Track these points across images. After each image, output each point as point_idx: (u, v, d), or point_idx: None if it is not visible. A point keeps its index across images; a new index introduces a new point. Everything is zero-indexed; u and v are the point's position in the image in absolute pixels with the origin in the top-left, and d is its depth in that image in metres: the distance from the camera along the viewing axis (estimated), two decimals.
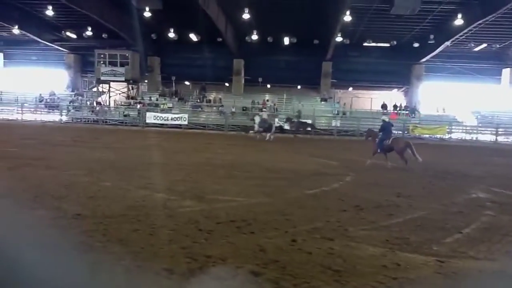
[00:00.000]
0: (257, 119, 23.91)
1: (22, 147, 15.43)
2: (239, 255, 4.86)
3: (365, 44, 35.91)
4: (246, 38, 34.94)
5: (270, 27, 32.95)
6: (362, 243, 5.46)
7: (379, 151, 14.15)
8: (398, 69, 36.65)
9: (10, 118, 32.38)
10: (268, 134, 23.36)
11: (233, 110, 32.99)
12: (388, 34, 34.31)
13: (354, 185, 9.96)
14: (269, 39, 35.21)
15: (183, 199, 7.66)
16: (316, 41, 34.90)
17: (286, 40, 34.98)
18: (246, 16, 29.61)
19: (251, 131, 23.64)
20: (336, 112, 33.76)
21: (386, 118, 15.70)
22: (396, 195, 8.69)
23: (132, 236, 5.41)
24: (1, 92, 38.25)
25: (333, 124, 31.41)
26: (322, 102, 35.85)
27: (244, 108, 33.52)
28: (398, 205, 7.77)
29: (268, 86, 38.11)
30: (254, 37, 34.49)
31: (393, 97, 38.41)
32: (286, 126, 27.17)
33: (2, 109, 34.28)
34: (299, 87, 38.04)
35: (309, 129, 28.28)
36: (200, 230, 5.72)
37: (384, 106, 35.44)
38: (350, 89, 39.73)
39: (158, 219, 6.20)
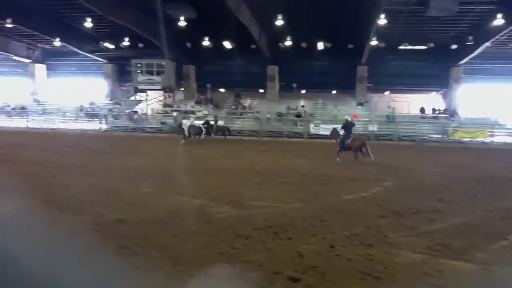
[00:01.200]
0: (186, 125, 24.48)
1: (64, 155, 15.91)
2: (277, 260, 4.85)
3: (401, 47, 35.27)
4: (280, 44, 34.96)
5: (304, 33, 32.84)
6: (402, 250, 5.35)
7: (339, 149, 15.26)
8: (435, 71, 35.79)
9: (53, 127, 33.47)
10: (198, 137, 24.39)
11: (268, 116, 33.00)
12: (424, 37, 33.60)
13: (393, 190, 9.76)
14: (303, 44, 35.08)
15: (220, 205, 7.70)
16: (350, 46, 34.56)
17: (320, 45, 34.79)
18: (279, 22, 29.65)
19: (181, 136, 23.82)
20: (384, 116, 33.23)
21: (349, 118, 17.01)
22: (437, 200, 8.47)
23: (171, 241, 5.49)
24: (45, 102, 39.68)
25: (370, 128, 30.95)
26: (358, 107, 35.42)
27: (279, 114, 33.47)
28: (439, 211, 7.57)
29: (303, 91, 37.97)
30: (288, 43, 34.46)
31: (431, 100, 37.55)
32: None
33: (45, 119, 35.51)
34: (334, 92, 37.72)
35: (227, 132, 27.99)
36: (238, 236, 5.74)
37: (422, 110, 34.68)
38: (387, 93, 39.09)
39: (196, 225, 6.27)
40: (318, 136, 28.80)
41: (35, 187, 9.11)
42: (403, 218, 6.95)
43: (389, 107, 34.29)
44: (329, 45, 34.78)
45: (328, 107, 35.50)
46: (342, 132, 15.94)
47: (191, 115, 30.53)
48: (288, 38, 34.02)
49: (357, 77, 36.54)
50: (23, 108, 37.86)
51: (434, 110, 34.99)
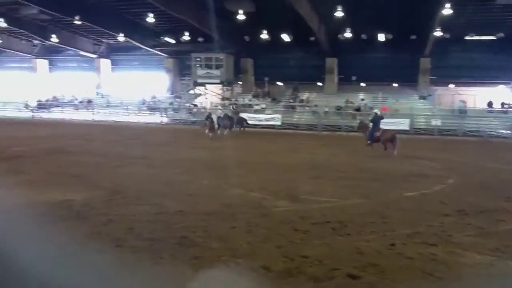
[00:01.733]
0: (214, 117, 22.71)
1: (127, 147, 16.54)
2: (335, 257, 4.79)
3: (467, 37, 33.61)
4: (339, 36, 34.35)
5: (364, 24, 32.07)
6: (467, 250, 5.12)
7: (369, 142, 15.57)
8: (505, 63, 33.78)
9: (117, 120, 34.82)
10: (229, 130, 23.40)
11: (326, 110, 32.60)
12: (493, 26, 31.76)
13: (458, 188, 9.36)
14: (363, 36, 34.27)
15: (277, 198, 7.71)
16: (413, 37, 33.36)
17: (381, 37, 33.85)
18: (339, 14, 29.12)
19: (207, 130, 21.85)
20: (451, 110, 32.00)
21: (378, 111, 17.63)
22: (505, 200, 8.03)
23: (230, 233, 5.56)
24: (108, 95, 41.36)
25: (433, 123, 29.80)
26: (421, 100, 34.19)
27: (338, 108, 32.97)
28: (508, 210, 7.18)
29: (363, 84, 37.16)
30: (348, 34, 33.78)
31: (499, 94, 35.55)
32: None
33: (110, 112, 37.00)
34: (395, 85, 36.61)
35: (245, 123, 27.27)
36: (296, 230, 5.72)
37: (490, 104, 32.93)
38: (451, 86, 37.45)
39: (253, 218, 6.31)
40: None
41: (101, 177, 9.54)
42: (468, 217, 6.65)
43: (461, 100, 32.84)
44: (390, 36, 33.79)
45: (388, 101, 34.54)
46: (371, 125, 16.30)
47: (218, 107, 30.26)
48: (348, 30, 33.34)
49: (420, 70, 35.22)
50: (89, 101, 39.64)
51: (503, 104, 33.12)
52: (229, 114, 26.16)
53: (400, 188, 9.05)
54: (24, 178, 9.22)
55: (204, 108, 28.06)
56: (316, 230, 5.78)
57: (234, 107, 32.70)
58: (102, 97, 40.80)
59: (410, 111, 30.72)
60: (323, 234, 5.61)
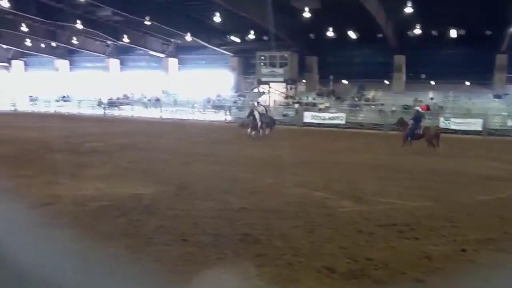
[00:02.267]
0: (257, 114, 19.92)
1: (194, 144, 16.97)
2: (402, 260, 4.64)
3: None
4: (408, 32, 33.27)
5: (435, 20, 30.81)
6: None
7: (409, 138, 15.79)
8: None
9: (183, 118, 35.78)
10: (267, 129, 20.73)
11: (394, 108, 31.68)
12: None
13: None
14: (434, 32, 32.96)
15: (341, 199, 7.60)
16: (488, 32, 31.63)
17: (453, 33, 32.37)
18: (408, 9, 28.19)
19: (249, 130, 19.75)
20: None
21: (419, 109, 18.37)
22: None
23: (292, 232, 5.55)
24: (175, 94, 42.56)
25: (509, 124, 28.11)
26: (496, 99, 32.34)
27: (406, 107, 31.90)
28: None
29: (432, 82, 35.73)
30: (417, 31, 32.63)
31: None
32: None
33: (177, 110, 38.10)
34: (467, 83, 34.90)
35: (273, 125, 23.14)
36: (360, 232, 5.61)
37: None
38: None
39: (317, 217, 6.25)
40: (447, 131, 26.99)
41: (169, 173, 9.88)
42: None
43: None
44: (463, 32, 32.22)
45: (460, 100, 32.99)
46: (410, 122, 16.32)
47: (260, 103, 28.38)
48: (418, 26, 32.20)
49: (495, 67, 33.29)
50: (157, 99, 41.03)
51: None
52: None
53: (472, 191, 8.63)
54: (97, 172, 9.71)
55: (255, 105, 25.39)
56: (381, 232, 5.63)
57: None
58: (167, 95, 42.02)
59: (484, 111, 29.16)
60: (389, 236, 5.46)
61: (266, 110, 22.71)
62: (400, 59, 35.60)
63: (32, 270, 3.93)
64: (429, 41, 33.40)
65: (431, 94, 33.85)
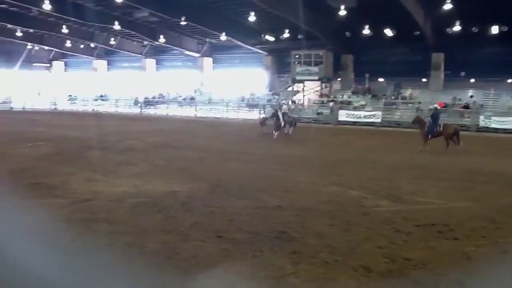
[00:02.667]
0: (280, 114, 19.50)
1: (228, 142, 17.07)
2: (441, 261, 4.53)
3: None
4: (447, 29, 32.43)
5: (475, 16, 29.88)
6: None
7: (429, 136, 15.51)
8: None
9: (217, 116, 36.04)
10: (291, 128, 19.94)
11: (431, 107, 30.94)
12: None
13: None
14: (474, 29, 32.00)
15: (378, 198, 7.48)
16: None
17: (494, 29, 31.34)
18: (447, 6, 27.50)
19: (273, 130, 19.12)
20: None
21: (438, 106, 18.34)
22: None
23: (328, 230, 5.50)
24: (209, 93, 42.94)
25: None
26: None
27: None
28: None
29: (472, 80, 34.73)
30: (456, 28, 31.78)
31: None
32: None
33: (211, 108, 38.43)
34: (509, 80, 33.73)
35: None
36: (398, 231, 5.50)
37: None
38: None
39: (353, 216, 6.18)
40: (488, 130, 26.20)
41: (204, 171, 9.96)
42: None
43: None
44: (505, 28, 31.14)
45: (502, 98, 31.93)
46: (428, 120, 16.17)
47: (287, 100, 26.90)
48: (457, 22, 31.35)
49: None
50: (192, 98, 41.51)
51: None
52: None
53: None
54: (134, 170, 9.92)
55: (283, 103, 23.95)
56: (420, 232, 5.51)
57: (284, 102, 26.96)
58: (201, 95, 42.44)
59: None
60: (427, 236, 5.34)
61: (289, 109, 22.41)
62: (438, 57, 34.76)
63: (71, 262, 4.05)
64: (469, 38, 32.41)
65: (470, 92, 32.90)
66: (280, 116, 19.48)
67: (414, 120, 17.45)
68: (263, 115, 32.72)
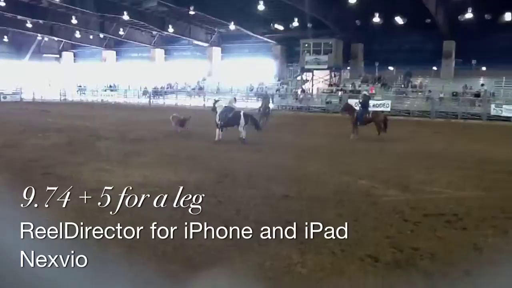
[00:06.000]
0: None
1: (235, 132, 17.00)
2: (449, 251, 4.50)
3: None
4: (459, 17, 31.99)
5: (488, 3, 29.49)
6: None
7: (358, 123, 15.39)
8: None
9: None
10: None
11: (442, 95, 30.66)
12: None
13: None
14: (487, 16, 31.52)
15: (387, 187, 7.44)
16: None
17: (508, 16, 30.85)
18: None
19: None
20: None
21: (367, 92, 18.31)
22: None
23: (336, 220, 5.47)
24: (219, 82, 42.87)
25: None
26: None
27: (455, 94, 30.84)
28: None
29: (483, 68, 34.30)
30: (468, 15, 31.33)
31: None
32: None
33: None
34: None
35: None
36: (406, 221, 5.48)
37: None
38: None
39: (361, 206, 6.16)
40: (499, 118, 25.91)
41: (212, 160, 9.97)
42: None
43: None
44: None
45: None
46: (358, 107, 16.19)
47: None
48: (469, 10, 30.88)
49: None
50: (200, 88, 41.48)
51: None
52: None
53: None
54: (143, 160, 9.96)
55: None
56: (428, 222, 5.48)
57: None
58: (204, 86, 42.36)
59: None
60: (436, 226, 5.31)
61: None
62: (449, 45, 34.32)
63: (81, 251, 4.07)
64: (481, 26, 31.94)
65: (481, 81, 32.50)
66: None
67: (344, 107, 17.40)
68: (272, 105, 32.76)
